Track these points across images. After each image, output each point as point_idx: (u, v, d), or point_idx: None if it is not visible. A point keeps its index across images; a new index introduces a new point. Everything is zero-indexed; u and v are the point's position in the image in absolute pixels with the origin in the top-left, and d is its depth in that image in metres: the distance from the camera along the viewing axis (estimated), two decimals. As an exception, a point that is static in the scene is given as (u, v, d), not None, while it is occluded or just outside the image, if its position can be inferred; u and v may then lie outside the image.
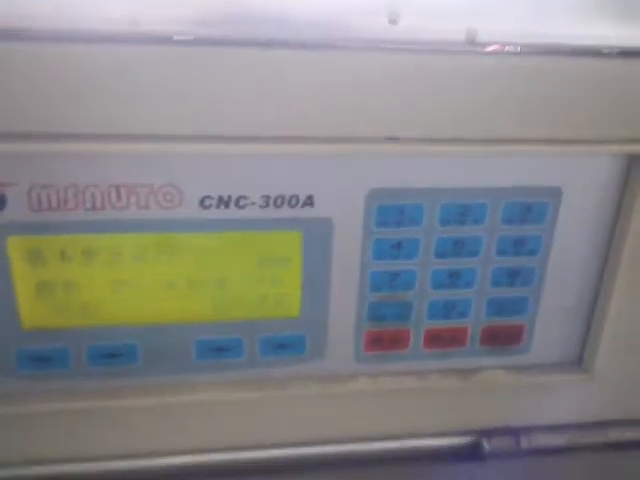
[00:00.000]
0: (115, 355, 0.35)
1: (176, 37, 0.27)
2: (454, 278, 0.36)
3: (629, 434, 0.42)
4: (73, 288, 0.33)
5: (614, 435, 0.42)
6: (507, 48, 0.29)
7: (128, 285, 0.33)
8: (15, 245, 0.31)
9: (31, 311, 0.33)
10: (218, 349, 0.36)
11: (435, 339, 0.38)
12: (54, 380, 0.35)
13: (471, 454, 0.41)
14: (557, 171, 0.33)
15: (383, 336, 0.37)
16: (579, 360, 0.40)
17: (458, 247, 0.35)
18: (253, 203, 0.32)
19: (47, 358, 0.34)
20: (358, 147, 0.31)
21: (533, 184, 0.34)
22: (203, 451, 0.39)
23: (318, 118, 0.30)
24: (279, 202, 0.32)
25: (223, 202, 0.32)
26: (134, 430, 0.37)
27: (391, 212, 0.34)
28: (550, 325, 0.38)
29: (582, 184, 0.34)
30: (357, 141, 0.31)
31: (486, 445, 0.41)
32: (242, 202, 0.32)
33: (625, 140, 0.32)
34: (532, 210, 0.34)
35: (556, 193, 0.34)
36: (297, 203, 0.33)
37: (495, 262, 0.36)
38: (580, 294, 0.38)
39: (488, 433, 0.41)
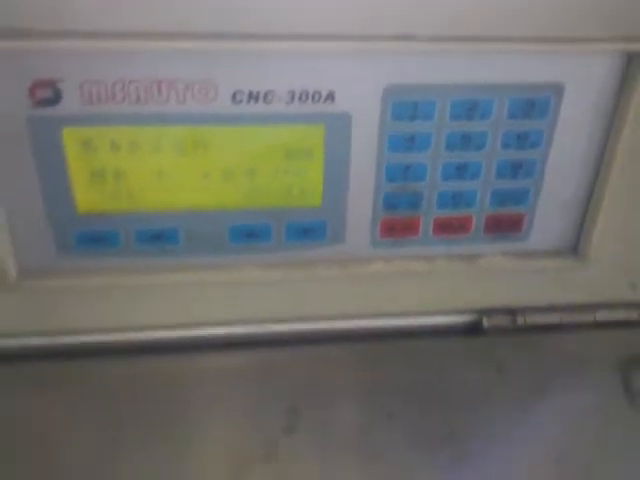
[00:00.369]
0: (159, 237, 0.38)
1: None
2: (462, 170, 0.38)
3: (614, 315, 0.46)
4: (121, 176, 0.36)
5: (601, 315, 0.45)
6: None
7: (169, 174, 0.36)
8: (69, 136, 0.34)
9: (85, 197, 0.36)
10: (249, 234, 0.39)
11: (443, 226, 0.41)
12: (106, 258, 0.38)
13: (472, 330, 0.45)
14: (559, 68, 0.35)
15: (396, 223, 0.40)
16: (574, 247, 0.43)
17: (466, 141, 0.37)
18: (280, 98, 0.35)
19: (100, 239, 0.38)
20: (375, 45, 0.33)
21: (536, 80, 0.35)
22: (233, 324, 0.43)
23: (338, 16, 0.31)
24: (303, 97, 0.35)
25: (253, 97, 0.34)
26: (174, 303, 0.41)
27: (405, 107, 0.36)
28: (549, 215, 0.41)
29: (583, 80, 0.36)
30: (374, 39, 0.32)
31: (485, 322, 0.45)
32: (270, 97, 0.34)
33: (624, 38, 0.33)
34: (535, 105, 0.36)
35: (558, 89, 0.36)
36: (319, 98, 0.35)
37: (500, 155, 0.38)
38: (578, 186, 0.40)
39: (488, 312, 0.45)
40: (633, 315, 0.45)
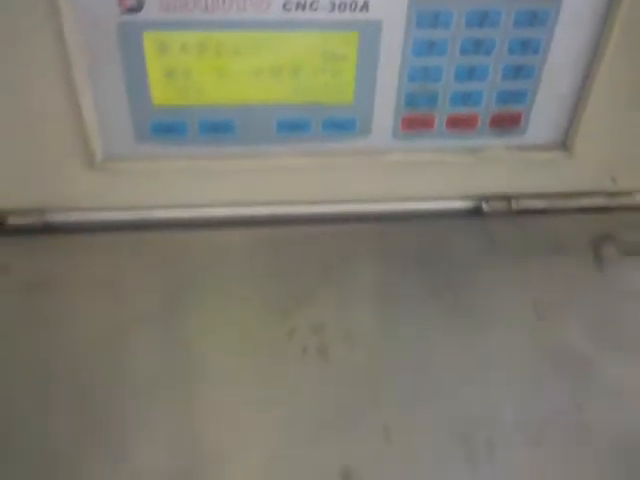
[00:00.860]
0: (218, 128, 0.45)
1: None
2: (472, 72, 0.44)
3: (595, 202, 0.52)
4: (189, 74, 0.41)
5: (583, 202, 0.52)
6: None
7: (228, 73, 0.42)
8: (149, 39, 0.40)
9: (160, 92, 0.42)
10: (291, 126, 0.45)
11: (454, 122, 0.46)
12: (175, 145, 0.45)
13: (474, 214, 0.52)
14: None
15: (415, 119, 0.46)
16: (564, 142, 0.48)
17: (477, 47, 0.42)
18: (323, 7, 0.40)
19: (171, 129, 0.44)
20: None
21: (539, -8, 0.40)
22: (277, 204, 0.50)
23: None
24: (342, 7, 0.40)
25: (300, 5, 0.39)
26: (230, 185, 0.48)
27: (428, 16, 0.41)
28: (543, 113, 0.47)
29: (579, -7, 0.40)
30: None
31: (485, 207, 0.51)
32: (315, 5, 0.39)
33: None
34: (537, 15, 0.41)
35: (557, 1, 0.41)
36: (356, 8, 0.40)
37: (505, 59, 0.43)
38: (569, 87, 0.45)
39: (487, 198, 0.51)
40: (611, 203, 0.52)
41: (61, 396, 0.37)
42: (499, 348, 0.40)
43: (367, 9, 0.39)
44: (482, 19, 0.40)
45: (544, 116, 0.46)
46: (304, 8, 0.39)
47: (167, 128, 0.43)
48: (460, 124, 0.46)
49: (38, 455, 0.34)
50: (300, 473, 0.33)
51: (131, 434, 0.35)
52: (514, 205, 0.51)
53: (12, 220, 0.45)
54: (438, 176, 0.49)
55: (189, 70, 0.41)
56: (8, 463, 0.33)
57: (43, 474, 0.33)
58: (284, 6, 0.39)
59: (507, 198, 0.51)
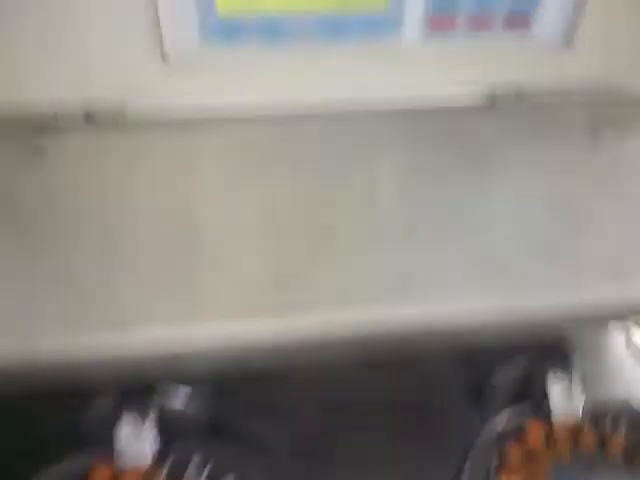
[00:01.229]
0: (271, 31, 0.52)
1: None
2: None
3: (597, 96, 0.59)
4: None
5: (588, 94, 0.59)
6: None
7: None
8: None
9: (223, 1, 0.50)
10: (334, 28, 0.52)
11: (473, 23, 0.53)
12: (235, 45, 0.53)
13: (489, 107, 0.59)
14: None
15: (440, 20, 0.53)
16: (568, 40, 0.55)
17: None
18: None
19: (232, 31, 0.51)
20: None
21: None
22: (322, 99, 0.57)
23: None
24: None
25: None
26: (280, 81, 0.55)
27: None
28: (549, 14, 0.53)
29: None
30: None
31: (498, 100, 0.59)
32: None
33: None
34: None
35: None
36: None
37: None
38: None
39: (500, 92, 0.59)
40: (610, 94, 0.59)
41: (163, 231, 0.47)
42: (512, 204, 0.49)
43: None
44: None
45: (550, 17, 0.53)
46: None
47: (228, 31, 0.51)
48: (479, 25, 0.53)
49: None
50: (363, 276, 0.44)
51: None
52: (524, 98, 0.58)
53: (98, 112, 0.54)
54: (458, 73, 0.56)
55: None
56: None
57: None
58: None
59: (518, 92, 0.58)
